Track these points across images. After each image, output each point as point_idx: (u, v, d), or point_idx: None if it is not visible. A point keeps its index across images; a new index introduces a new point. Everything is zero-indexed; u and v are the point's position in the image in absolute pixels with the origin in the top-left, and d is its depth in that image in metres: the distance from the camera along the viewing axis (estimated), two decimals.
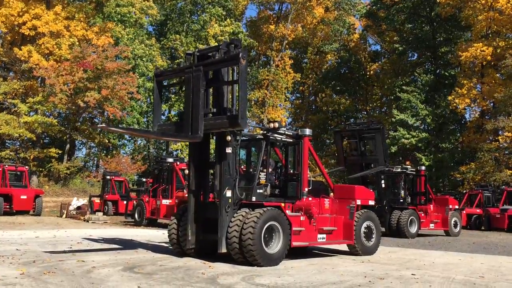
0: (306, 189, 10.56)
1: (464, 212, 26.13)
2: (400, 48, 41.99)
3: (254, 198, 9.83)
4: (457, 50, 37.29)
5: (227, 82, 9.67)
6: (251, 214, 9.20)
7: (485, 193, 28.60)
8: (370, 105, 51.97)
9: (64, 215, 25.47)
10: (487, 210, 27.15)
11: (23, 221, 20.74)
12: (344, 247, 12.13)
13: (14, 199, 24.23)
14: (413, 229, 18.94)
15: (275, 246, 9.47)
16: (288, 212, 10.00)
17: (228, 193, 9.44)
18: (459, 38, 40.26)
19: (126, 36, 38.32)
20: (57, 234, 15.04)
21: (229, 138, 9.34)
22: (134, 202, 23.19)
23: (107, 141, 37.85)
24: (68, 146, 36.29)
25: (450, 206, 21.10)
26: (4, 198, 24.09)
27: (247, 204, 9.70)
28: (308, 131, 11.16)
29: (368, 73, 49.99)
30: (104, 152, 39.76)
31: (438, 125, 39.31)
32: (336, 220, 11.32)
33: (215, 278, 7.73)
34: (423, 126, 40.15)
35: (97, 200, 27.81)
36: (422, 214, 19.90)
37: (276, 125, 10.41)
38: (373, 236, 11.94)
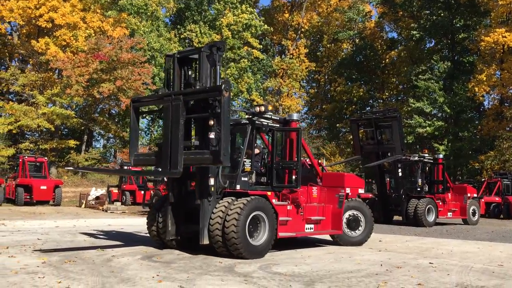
0: (294, 177, 9.90)
1: (483, 200, 25.89)
2: (417, 34, 41.38)
3: (238, 187, 9.25)
4: (476, 36, 36.67)
5: (208, 114, 8.82)
6: (235, 204, 8.70)
7: (504, 181, 28.27)
8: (386, 93, 51.47)
9: (83, 205, 25.86)
10: (506, 198, 26.86)
11: (43, 211, 21.11)
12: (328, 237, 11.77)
13: (34, 190, 24.66)
14: (431, 218, 18.83)
15: (260, 238, 9.02)
16: (274, 201, 9.43)
17: (211, 181, 8.91)
18: (478, 24, 39.54)
19: (142, 28, 38.39)
20: (77, 224, 15.30)
21: (212, 122, 8.70)
22: (152, 192, 23.41)
23: (124, 133, 38.13)
24: (86, 137, 36.71)
25: (469, 195, 20.94)
26: (24, 189, 24.56)
27: (231, 192, 9.17)
28: (296, 116, 10.62)
29: (384, 61, 49.44)
30: (122, 142, 40.10)
31: (456, 113, 38.80)
32: (325, 210, 10.81)
33: (232, 267, 7.80)
34: (440, 114, 39.68)
35: (115, 190, 28.14)
36: (440, 203, 19.76)
37: (262, 108, 9.75)
38: (360, 227, 11.39)
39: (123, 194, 27.34)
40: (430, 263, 8.83)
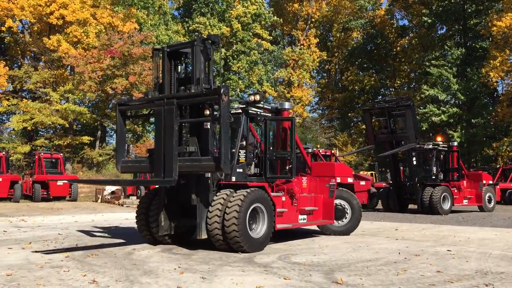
0: (288, 167, 9.72)
1: (498, 187, 25.73)
2: (428, 20, 40.95)
3: (233, 178, 8.87)
4: (488, 21, 36.22)
5: (206, 119, 8.52)
6: (234, 196, 8.39)
7: None
8: (398, 81, 51.13)
9: (99, 200, 26.17)
10: None
11: (60, 207, 21.41)
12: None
13: (51, 186, 24.97)
14: (446, 206, 18.79)
15: (260, 230, 8.74)
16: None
17: (207, 173, 8.57)
18: (490, 9, 39.00)
19: (149, 22, 38.47)
20: (95, 218, 15.52)
21: (207, 112, 8.33)
22: None
23: (137, 127, 38.41)
24: (99, 132, 37.02)
25: (484, 182, 20.84)
26: (41, 185, 24.87)
27: (227, 184, 8.82)
28: (287, 105, 10.33)
29: (395, 48, 49.09)
30: (135, 137, 40.39)
31: (470, 100, 38.46)
32: (316, 200, 10.68)
33: (252, 258, 7.89)
34: (453, 101, 39.36)
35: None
36: (455, 190, 19.70)
37: (257, 97, 9.25)
38: (346, 217, 11.26)
39: (138, 188, 27.52)
40: (448, 250, 8.85)
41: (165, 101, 8.26)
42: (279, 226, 9.23)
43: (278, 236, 9.89)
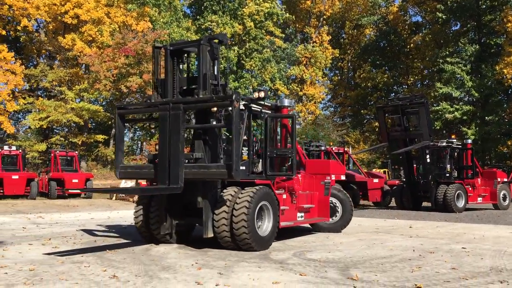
0: (289, 165, 9.64)
1: None
2: (443, 16, 40.61)
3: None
4: (503, 17, 35.85)
5: (215, 125, 8.33)
6: (242, 194, 8.27)
7: None
8: (411, 78, 50.82)
9: (113, 197, 26.39)
10: None
11: (76, 204, 21.71)
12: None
13: (66, 183, 25.26)
14: (460, 203, 18.73)
15: (266, 228, 8.66)
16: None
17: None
18: (504, 4, 38.56)
19: (162, 20, 38.67)
20: (111, 215, 15.76)
21: (214, 109, 8.14)
22: None
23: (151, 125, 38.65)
24: (113, 131, 37.36)
25: (498, 179, 20.73)
26: (57, 182, 25.20)
27: (231, 182, 8.57)
28: (287, 102, 10.20)
29: (408, 45, 48.78)
30: (149, 134, 40.69)
31: (484, 97, 38.11)
32: (312, 197, 10.63)
33: (267, 254, 8.00)
34: (467, 98, 39.05)
35: (143, 182, 28.53)
36: (470, 188, 19.63)
37: (262, 94, 9.01)
38: (336, 214, 11.31)
39: (152, 185, 27.78)
40: (462, 248, 8.87)
41: (171, 105, 8.02)
42: (282, 224, 9.19)
43: (282, 234, 9.99)
